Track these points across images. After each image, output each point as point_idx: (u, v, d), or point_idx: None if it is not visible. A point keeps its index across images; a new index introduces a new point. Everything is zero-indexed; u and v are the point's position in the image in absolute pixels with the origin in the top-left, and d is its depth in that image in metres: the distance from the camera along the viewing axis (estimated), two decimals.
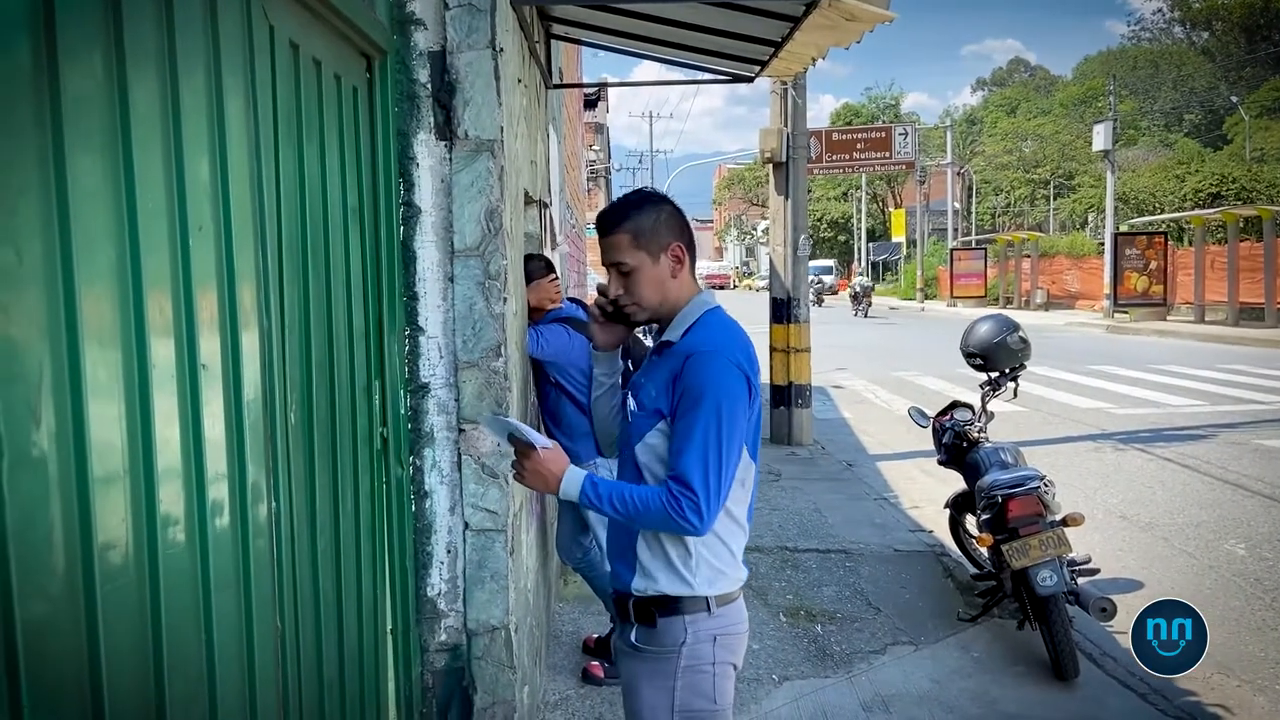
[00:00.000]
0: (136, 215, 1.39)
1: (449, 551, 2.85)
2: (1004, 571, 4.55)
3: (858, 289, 32.67)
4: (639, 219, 2.10)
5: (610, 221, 2.11)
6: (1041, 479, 4.54)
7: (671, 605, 2.07)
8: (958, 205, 45.49)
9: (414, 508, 2.82)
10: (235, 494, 1.71)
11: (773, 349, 10.07)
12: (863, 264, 52.55)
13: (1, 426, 1.10)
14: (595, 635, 4.52)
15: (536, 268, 3.93)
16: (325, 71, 2.24)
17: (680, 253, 2.12)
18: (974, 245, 40.31)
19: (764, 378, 10.35)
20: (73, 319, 1.24)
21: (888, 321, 30.20)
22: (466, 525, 2.83)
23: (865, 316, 31.16)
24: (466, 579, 2.85)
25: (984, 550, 5.03)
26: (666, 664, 2.08)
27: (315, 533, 2.14)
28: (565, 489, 2.03)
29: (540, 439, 2.07)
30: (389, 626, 2.71)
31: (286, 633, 1.95)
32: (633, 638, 2.15)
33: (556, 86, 5.99)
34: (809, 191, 11.80)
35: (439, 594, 2.86)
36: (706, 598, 2.07)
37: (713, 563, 2.07)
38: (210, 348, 1.62)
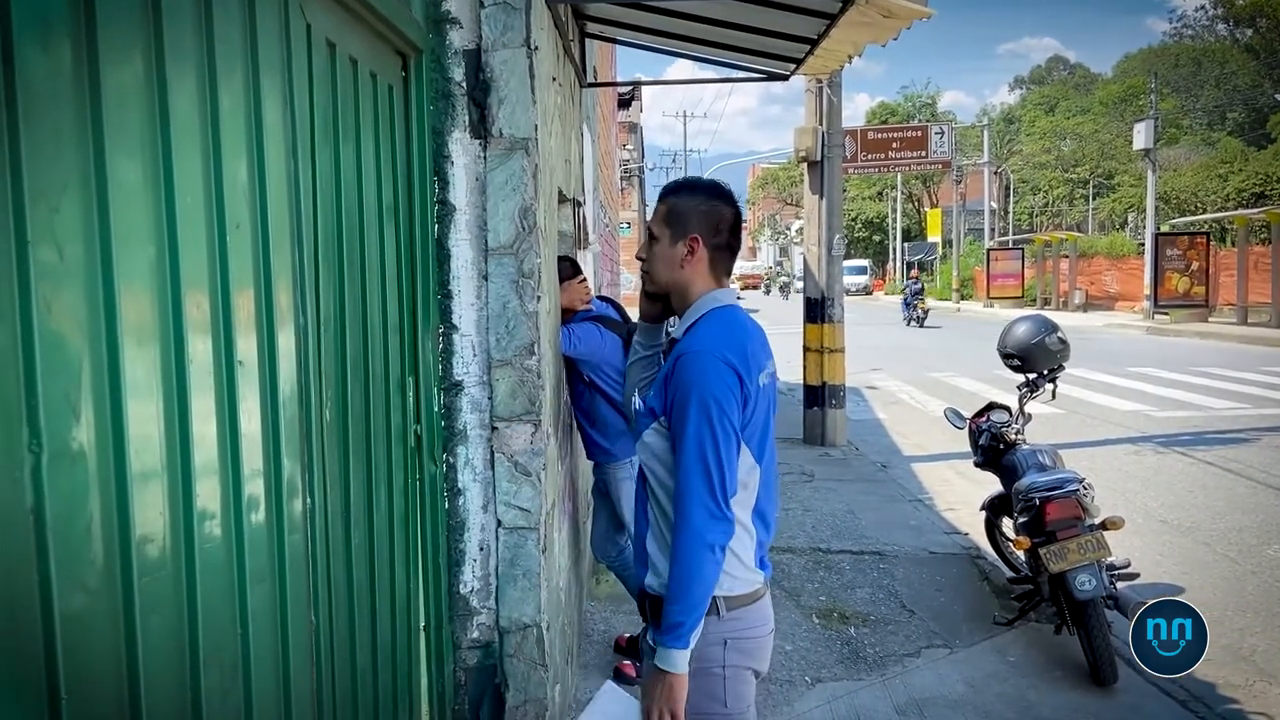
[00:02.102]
0: (175, 213, 1.40)
1: (481, 549, 2.86)
2: (1041, 575, 4.49)
3: (909, 293, 28.13)
4: (682, 199, 2.16)
5: (666, 190, 2.23)
6: (1080, 482, 4.47)
7: None
8: (995, 205, 45.02)
9: (447, 505, 2.83)
10: (271, 490, 1.72)
11: (806, 349, 10.02)
12: (897, 264, 52.17)
13: (42, 421, 1.12)
14: (627, 634, 4.51)
15: (564, 269, 3.93)
16: (361, 70, 2.26)
17: (695, 245, 2.12)
18: (1011, 245, 39.90)
19: (797, 377, 10.30)
20: (112, 316, 1.25)
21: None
22: (499, 523, 2.84)
23: (920, 325, 26.84)
24: (499, 576, 2.86)
25: (1021, 553, 4.97)
26: None
27: (349, 529, 2.16)
28: (678, 666, 1.96)
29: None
30: (422, 623, 2.72)
31: (320, 627, 1.96)
32: (649, 637, 2.15)
33: (591, 85, 6.00)
34: (844, 191, 11.72)
35: (471, 591, 2.87)
36: (715, 600, 2.04)
37: None
38: (247, 345, 1.64)
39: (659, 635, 1.99)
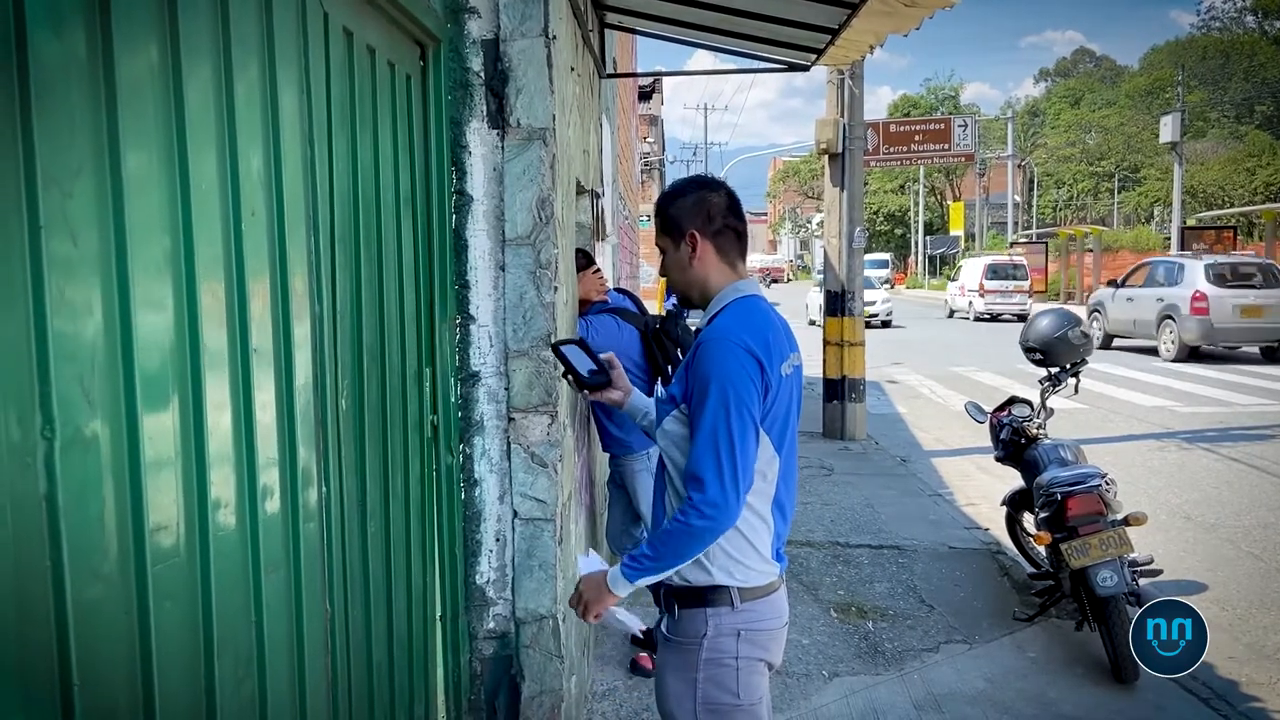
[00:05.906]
0: (190, 200, 1.40)
1: (498, 540, 2.85)
2: (1062, 571, 4.45)
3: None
4: (668, 205, 2.19)
5: (655, 207, 2.25)
6: (1102, 477, 4.43)
7: (693, 597, 2.07)
8: (1018, 198, 44.68)
9: (463, 495, 2.83)
10: (286, 478, 1.72)
11: (826, 342, 9.97)
12: (920, 258, 51.86)
13: (55, 408, 1.12)
14: (644, 626, 4.50)
15: (578, 261, 3.92)
16: (379, 59, 2.25)
17: (694, 240, 2.13)
18: (1035, 239, 39.57)
19: (817, 371, 10.24)
20: (126, 302, 1.25)
21: (943, 316, 29.76)
22: (515, 514, 2.84)
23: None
24: (515, 567, 2.86)
25: (1042, 549, 4.93)
26: (690, 655, 2.08)
27: (365, 518, 2.15)
28: (618, 589, 2.08)
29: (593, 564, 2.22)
30: (438, 613, 2.72)
31: (336, 616, 1.96)
32: (663, 627, 2.18)
33: (610, 76, 5.97)
34: (865, 184, 11.64)
35: (488, 582, 2.87)
36: (729, 591, 2.05)
37: (730, 553, 2.04)
38: (262, 333, 1.64)
39: (624, 559, 2.06)
